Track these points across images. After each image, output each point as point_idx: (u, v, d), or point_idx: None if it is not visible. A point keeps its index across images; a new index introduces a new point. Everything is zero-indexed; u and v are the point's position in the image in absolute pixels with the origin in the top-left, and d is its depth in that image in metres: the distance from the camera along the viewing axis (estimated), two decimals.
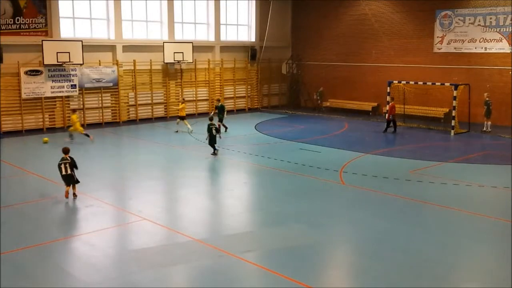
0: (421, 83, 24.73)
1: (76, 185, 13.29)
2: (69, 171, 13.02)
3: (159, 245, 10.26)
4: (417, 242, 10.30)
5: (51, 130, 23.69)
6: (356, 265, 9.52)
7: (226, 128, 23.13)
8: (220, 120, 22.80)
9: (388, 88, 25.08)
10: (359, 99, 30.31)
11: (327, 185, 14.69)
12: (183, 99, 25.98)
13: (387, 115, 23.64)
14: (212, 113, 23.32)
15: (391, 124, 23.41)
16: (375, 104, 29.52)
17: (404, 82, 25.37)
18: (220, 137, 19.32)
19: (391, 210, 12.40)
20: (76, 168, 13.20)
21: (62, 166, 13.03)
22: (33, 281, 8.58)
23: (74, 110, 21.83)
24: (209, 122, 18.42)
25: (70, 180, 13.11)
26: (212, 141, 18.21)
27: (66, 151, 13.30)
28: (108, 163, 17.64)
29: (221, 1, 30.12)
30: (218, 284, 8.48)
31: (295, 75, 33.56)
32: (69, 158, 13.13)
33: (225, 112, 23.35)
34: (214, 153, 18.23)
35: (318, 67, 32.31)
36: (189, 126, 23.40)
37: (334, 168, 16.40)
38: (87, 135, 20.74)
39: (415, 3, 27.78)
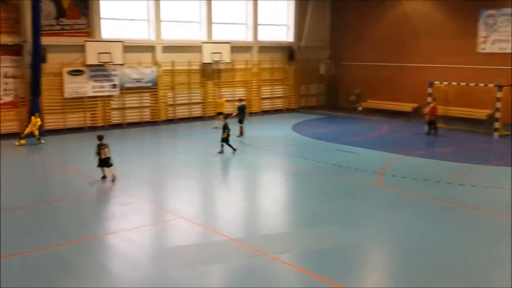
0: (463, 84, 24.04)
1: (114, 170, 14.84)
2: (108, 154, 14.61)
3: (196, 243, 10.32)
4: (457, 248, 9.98)
5: (92, 128, 24.23)
6: (392, 269, 9.32)
7: (242, 133, 22.06)
8: (240, 122, 22.21)
9: (429, 89, 24.51)
10: (399, 100, 29.70)
11: (364, 187, 14.45)
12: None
13: (427, 116, 23.11)
14: (234, 113, 22.83)
15: (433, 125, 22.88)
16: (416, 105, 28.86)
17: (446, 82, 24.73)
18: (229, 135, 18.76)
19: (431, 214, 12.07)
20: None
21: (102, 150, 14.58)
22: (75, 275, 8.78)
23: (36, 112, 21.19)
24: (225, 121, 18.77)
25: (109, 162, 14.66)
26: (226, 140, 18.41)
27: (101, 137, 14.86)
28: (147, 162, 17.85)
29: (259, 1, 30.13)
30: (253, 284, 8.44)
31: (333, 76, 33.24)
32: (106, 144, 14.71)
33: (247, 114, 22.53)
34: (221, 151, 18.46)
35: (357, 67, 31.88)
36: (217, 123, 23.80)
37: (372, 170, 16.13)
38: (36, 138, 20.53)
39: (458, 2, 27.00)
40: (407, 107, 29.21)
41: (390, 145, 20.41)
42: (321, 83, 33.51)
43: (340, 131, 24.38)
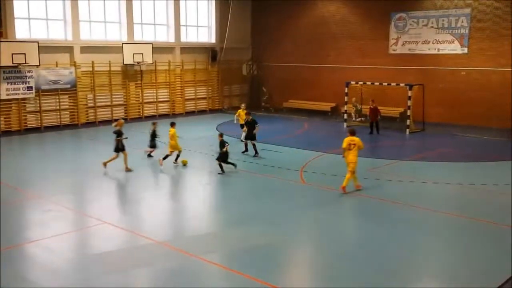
0: (377, 83, 25.36)
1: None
2: (120, 146, 16.27)
3: (121, 248, 10.21)
4: (374, 238, 10.62)
5: (7, 133, 23.04)
6: (317, 263, 9.77)
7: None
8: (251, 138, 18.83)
9: (346, 88, 25.63)
10: (319, 99, 30.79)
11: (288, 184, 14.92)
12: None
13: (370, 118, 23.58)
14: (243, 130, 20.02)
15: (375, 126, 23.41)
16: (334, 104, 30.05)
17: (361, 82, 25.97)
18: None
19: (350, 208, 12.73)
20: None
21: (117, 139, 16.27)
22: None
23: (172, 124, 17.71)
24: (220, 138, 16.50)
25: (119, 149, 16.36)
26: (223, 157, 16.12)
27: (119, 124, 16.48)
28: (66, 167, 17.23)
29: (180, 2, 30.00)
30: (181, 285, 8.52)
31: (255, 76, 33.79)
32: (117, 133, 16.26)
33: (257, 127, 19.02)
34: (222, 171, 15.98)
35: (278, 68, 32.63)
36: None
37: (294, 168, 16.67)
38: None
39: (371, 5, 28.43)
40: (326, 106, 30.34)
41: (311, 143, 21.16)
42: (244, 83, 33.96)
43: (263, 130, 24.74)
